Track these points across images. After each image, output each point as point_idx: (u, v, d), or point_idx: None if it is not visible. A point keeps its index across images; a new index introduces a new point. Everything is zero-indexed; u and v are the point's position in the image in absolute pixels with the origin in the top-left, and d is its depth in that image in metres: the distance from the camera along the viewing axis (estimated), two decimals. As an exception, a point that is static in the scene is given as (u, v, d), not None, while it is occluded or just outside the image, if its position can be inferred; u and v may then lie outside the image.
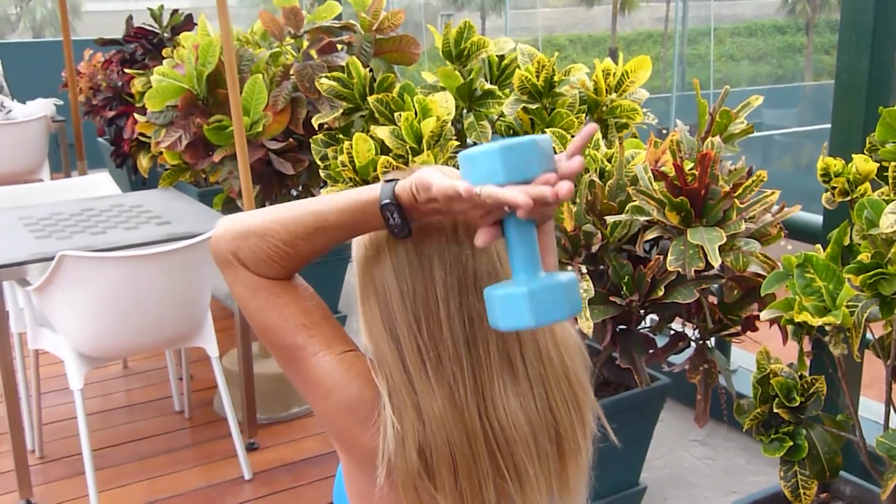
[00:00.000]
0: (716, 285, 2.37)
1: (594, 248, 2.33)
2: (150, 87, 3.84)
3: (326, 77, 3.32)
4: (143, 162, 4.98)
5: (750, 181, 2.33)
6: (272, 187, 3.97)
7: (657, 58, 28.90)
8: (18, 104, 6.25)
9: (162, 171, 4.34)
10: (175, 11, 5.53)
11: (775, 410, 2.08)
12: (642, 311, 2.42)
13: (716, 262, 2.09)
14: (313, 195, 3.42)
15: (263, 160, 3.79)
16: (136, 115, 4.15)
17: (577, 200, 2.37)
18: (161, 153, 4.08)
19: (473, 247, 1.10)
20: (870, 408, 2.91)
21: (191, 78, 3.79)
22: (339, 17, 4.00)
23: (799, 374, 2.11)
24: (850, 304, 1.82)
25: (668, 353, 2.52)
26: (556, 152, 1.03)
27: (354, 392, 1.12)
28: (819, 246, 2.05)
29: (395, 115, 2.85)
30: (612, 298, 2.32)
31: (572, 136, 2.59)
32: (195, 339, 3.13)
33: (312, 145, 3.21)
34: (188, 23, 5.43)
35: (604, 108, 2.85)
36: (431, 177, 1.01)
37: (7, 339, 2.93)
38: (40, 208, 3.50)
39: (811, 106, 24.05)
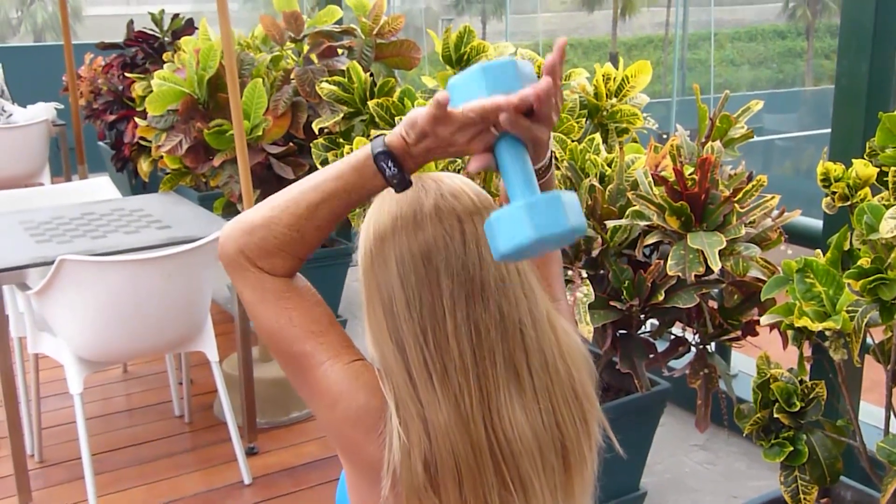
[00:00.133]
0: (716, 290, 2.37)
1: (594, 253, 2.33)
2: (151, 91, 3.84)
3: (327, 81, 3.33)
4: (144, 166, 4.99)
5: (750, 186, 2.33)
6: (272, 191, 3.96)
7: (658, 62, 28.93)
8: (19, 108, 6.26)
9: (162, 176, 4.35)
10: (176, 16, 5.54)
11: (776, 415, 2.08)
12: (642, 316, 2.42)
13: (716, 266, 2.09)
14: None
15: (264, 164, 3.80)
16: (136, 119, 4.16)
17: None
18: (161, 157, 4.09)
19: (481, 256, 1.09)
20: (870, 412, 2.90)
21: (191, 82, 3.79)
22: (339, 22, 4.01)
23: (799, 378, 2.11)
24: (850, 309, 1.82)
25: (668, 358, 2.52)
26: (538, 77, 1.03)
27: (362, 402, 1.11)
28: (819, 251, 2.05)
29: (396, 119, 2.86)
30: (612, 303, 2.32)
31: (573, 141, 2.59)
32: (195, 344, 3.13)
33: (313, 149, 3.21)
34: (189, 27, 5.44)
35: (604, 113, 2.85)
36: (417, 112, 1.03)
37: (7, 344, 2.92)
38: (41, 212, 3.50)
39: (811, 110, 24.05)
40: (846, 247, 1.99)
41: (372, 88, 3.35)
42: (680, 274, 2.17)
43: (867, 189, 2.05)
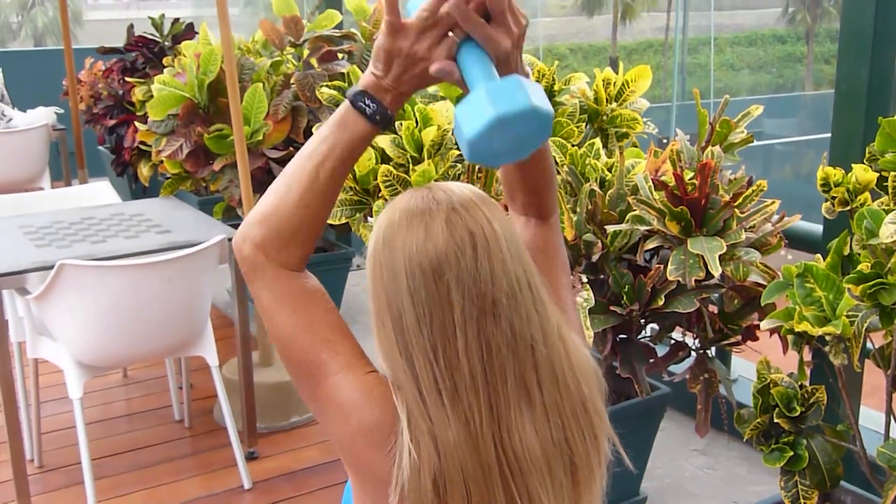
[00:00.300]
0: (716, 295, 2.37)
1: (594, 258, 2.33)
2: (151, 95, 3.85)
3: (327, 86, 3.33)
4: (144, 170, 4.99)
5: (750, 191, 2.33)
6: (272, 196, 3.97)
7: (658, 67, 28.95)
8: (19, 113, 6.26)
9: (162, 180, 4.35)
10: (176, 20, 5.55)
11: (776, 420, 2.08)
12: (643, 321, 2.42)
13: (716, 271, 2.09)
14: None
15: (264, 169, 3.80)
16: (136, 124, 4.16)
17: (578, 210, 2.37)
18: (162, 162, 4.09)
19: (493, 271, 1.07)
20: (870, 417, 2.90)
21: (192, 86, 3.79)
22: (339, 26, 4.02)
23: (799, 383, 2.11)
24: (850, 313, 1.82)
25: (668, 363, 2.52)
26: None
27: (375, 416, 1.10)
28: (819, 256, 2.05)
29: (396, 123, 2.86)
30: (612, 308, 2.32)
31: (573, 146, 2.59)
32: (195, 348, 3.13)
33: (313, 154, 3.21)
34: (189, 32, 5.44)
35: (604, 118, 2.85)
36: (377, 42, 1.11)
37: (6, 348, 2.92)
38: (40, 217, 3.50)
39: (811, 115, 24.05)
40: (846, 251, 1.99)
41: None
42: (680, 279, 2.17)
43: (867, 194, 2.05)
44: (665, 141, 2.82)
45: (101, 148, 6.40)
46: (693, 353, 2.48)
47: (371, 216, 2.80)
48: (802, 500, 2.06)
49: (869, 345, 1.97)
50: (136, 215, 3.52)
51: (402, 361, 1.09)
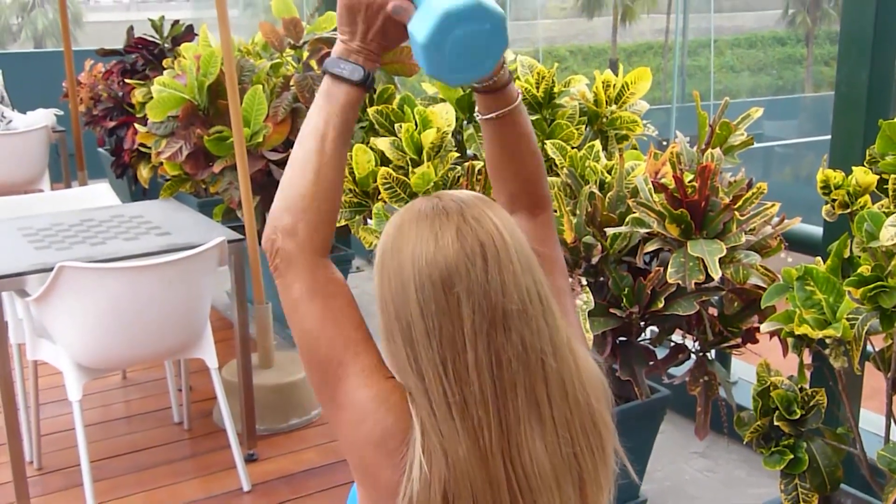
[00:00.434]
0: (716, 297, 2.37)
1: (594, 260, 2.33)
2: (151, 97, 3.85)
3: (327, 88, 3.32)
4: (144, 172, 4.99)
5: (750, 193, 2.33)
6: (272, 198, 3.97)
7: (657, 69, 28.95)
8: (19, 114, 6.26)
9: (162, 182, 4.35)
10: (176, 22, 5.55)
11: (776, 423, 2.07)
12: (642, 323, 2.42)
13: (716, 274, 2.09)
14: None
15: (264, 171, 3.80)
16: (136, 126, 4.16)
17: (578, 212, 2.37)
18: (161, 164, 4.09)
19: (504, 283, 1.06)
20: (870, 420, 2.90)
21: (192, 88, 3.79)
22: (339, 29, 4.01)
23: (799, 386, 2.11)
24: (850, 316, 1.81)
25: (668, 365, 2.52)
26: None
27: (389, 424, 1.09)
28: (819, 258, 2.05)
29: (396, 126, 2.86)
30: (612, 310, 2.32)
31: (573, 148, 2.59)
32: (195, 350, 3.13)
33: (312, 156, 3.21)
34: (189, 33, 5.44)
35: (604, 120, 2.85)
36: (338, 1, 1.18)
37: (6, 350, 2.92)
38: (40, 219, 3.49)
39: (811, 117, 24.06)
40: (846, 254, 1.99)
41: (371, 95, 3.35)
42: (680, 281, 2.17)
43: (867, 196, 2.05)
44: (665, 143, 2.82)
45: (100, 150, 6.40)
46: (693, 356, 2.48)
47: (370, 218, 2.80)
48: (802, 503, 2.06)
49: (869, 348, 1.97)
50: (136, 217, 3.51)
51: (412, 374, 1.08)
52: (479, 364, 1.06)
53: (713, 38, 26.71)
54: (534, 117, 2.78)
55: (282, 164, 3.77)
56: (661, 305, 2.28)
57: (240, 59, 3.92)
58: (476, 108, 1.30)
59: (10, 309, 3.15)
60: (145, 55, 5.37)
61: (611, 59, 34.18)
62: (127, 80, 5.21)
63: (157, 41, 5.45)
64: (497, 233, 1.08)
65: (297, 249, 1.16)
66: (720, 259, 2.12)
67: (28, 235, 3.25)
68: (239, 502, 3.10)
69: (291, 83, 3.77)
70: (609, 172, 2.51)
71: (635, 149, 2.86)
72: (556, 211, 2.40)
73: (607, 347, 2.39)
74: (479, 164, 2.59)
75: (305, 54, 3.89)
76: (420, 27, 1.10)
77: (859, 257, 1.95)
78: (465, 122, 2.97)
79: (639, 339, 2.50)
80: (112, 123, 5.53)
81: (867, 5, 2.56)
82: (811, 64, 33.77)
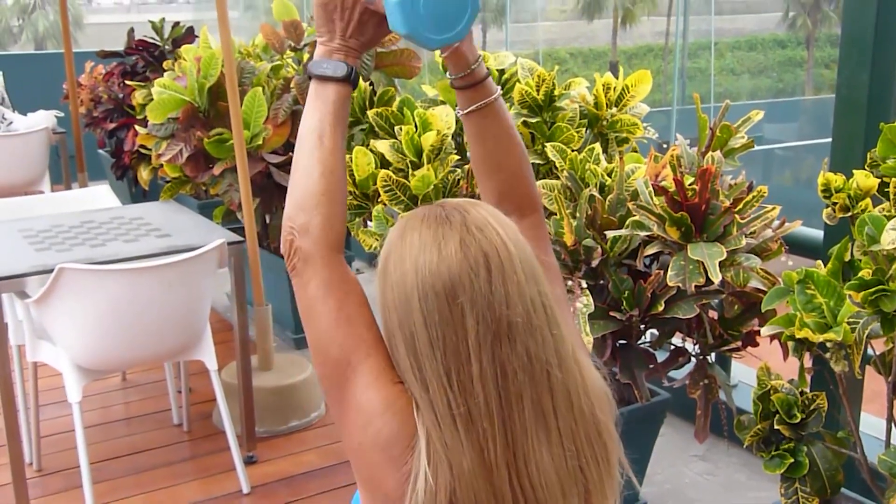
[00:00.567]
0: (716, 300, 2.37)
1: (594, 263, 2.33)
2: (151, 99, 3.85)
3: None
4: (144, 174, 4.99)
5: (750, 196, 2.33)
6: (272, 200, 3.97)
7: (658, 71, 28.96)
8: (19, 116, 6.26)
9: (162, 184, 4.35)
10: (176, 24, 5.55)
11: (776, 427, 2.07)
12: (642, 326, 2.41)
13: (716, 277, 2.09)
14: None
15: (264, 173, 3.80)
16: (136, 128, 4.16)
17: (578, 215, 2.37)
18: (162, 166, 4.09)
19: (508, 293, 1.06)
20: (871, 423, 2.89)
21: (192, 90, 3.79)
22: (340, 31, 4.01)
23: (800, 390, 2.10)
24: (851, 320, 1.81)
25: (668, 368, 2.51)
26: None
27: (394, 429, 1.08)
28: (820, 262, 2.05)
29: (396, 128, 2.85)
30: (612, 313, 2.32)
31: (573, 151, 2.59)
32: (194, 352, 3.12)
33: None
34: (189, 35, 5.44)
35: (604, 123, 2.85)
36: (314, 3, 1.22)
37: (6, 352, 2.92)
38: (40, 220, 3.49)
39: (812, 120, 24.06)
40: (847, 258, 1.98)
41: (371, 97, 3.35)
42: (680, 284, 2.17)
43: (868, 200, 2.05)
44: (665, 146, 2.82)
45: (101, 151, 6.40)
46: (693, 359, 2.47)
47: (370, 221, 2.80)
48: (803, 507, 2.06)
49: (869, 351, 1.97)
50: (136, 219, 3.51)
51: (416, 385, 1.08)
52: (483, 375, 1.05)
53: (713, 41, 26.72)
54: (534, 120, 2.78)
55: (282, 166, 3.77)
56: (661, 308, 2.27)
57: (240, 62, 3.92)
58: (457, 108, 1.32)
59: (10, 310, 3.15)
60: (146, 57, 5.37)
61: (611, 62, 34.20)
62: (127, 82, 5.21)
63: (158, 43, 5.45)
64: (501, 242, 1.08)
65: (313, 247, 1.17)
66: (720, 262, 2.11)
67: (28, 237, 3.25)
68: (238, 504, 3.10)
69: (292, 85, 3.77)
70: (609, 175, 2.51)
71: (635, 151, 2.86)
72: (556, 213, 2.40)
73: (607, 350, 2.39)
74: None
75: (306, 56, 3.90)
76: None
77: (860, 261, 1.95)
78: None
79: (639, 342, 2.49)
80: (112, 125, 5.53)
81: (868, 8, 2.56)
82: (811, 67, 33.79)
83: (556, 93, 2.81)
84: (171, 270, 2.89)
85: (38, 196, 4.23)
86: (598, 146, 2.61)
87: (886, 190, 2.02)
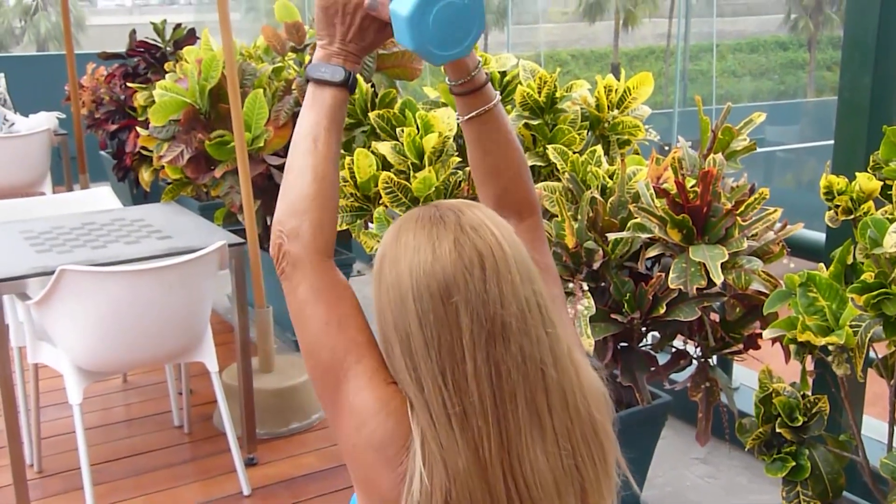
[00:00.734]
0: (718, 303, 2.36)
1: (595, 265, 2.33)
2: (153, 101, 3.84)
3: (328, 92, 3.32)
4: (145, 176, 4.99)
5: (752, 198, 2.33)
6: (273, 202, 3.95)
7: (659, 73, 28.96)
8: (21, 117, 6.26)
9: (164, 185, 4.34)
10: (178, 26, 5.55)
11: (778, 430, 2.06)
12: (644, 329, 2.41)
13: (718, 279, 2.08)
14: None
15: (265, 175, 3.79)
16: (138, 129, 4.16)
17: (579, 217, 2.37)
18: (163, 167, 4.09)
19: (502, 293, 1.06)
20: (873, 426, 2.89)
21: (193, 92, 3.79)
22: (341, 32, 4.00)
23: (801, 393, 2.10)
24: (853, 323, 1.81)
25: (669, 371, 2.51)
26: None
27: (389, 429, 1.09)
28: (822, 265, 2.04)
29: (397, 130, 2.85)
30: (613, 316, 2.31)
31: (575, 153, 2.59)
32: (195, 354, 3.12)
33: (314, 160, 3.20)
34: (190, 37, 5.44)
35: (606, 125, 2.84)
36: (316, 5, 1.22)
37: (6, 353, 2.92)
38: (41, 222, 3.49)
39: (813, 122, 24.06)
40: (849, 261, 1.98)
41: (373, 99, 3.35)
42: (681, 287, 2.16)
43: (870, 203, 2.04)
44: (667, 148, 2.81)
45: (102, 153, 6.40)
46: (694, 362, 2.47)
47: (371, 222, 2.79)
48: (804, 510, 2.05)
49: (872, 354, 1.96)
50: (137, 221, 3.51)
51: (411, 384, 1.08)
52: (478, 374, 1.05)
53: (715, 43, 26.74)
54: (535, 122, 2.78)
55: (283, 168, 3.76)
56: (662, 311, 2.27)
57: (241, 63, 3.92)
58: (457, 113, 1.32)
59: (11, 312, 3.15)
60: (147, 59, 5.37)
61: (612, 64, 34.21)
62: (129, 84, 5.21)
63: (159, 45, 5.45)
64: (496, 242, 1.08)
65: (302, 251, 1.17)
66: (722, 264, 2.11)
67: (29, 238, 3.24)
68: (239, 507, 3.10)
69: (293, 87, 3.77)
70: (611, 177, 2.51)
71: (637, 154, 2.85)
72: (557, 216, 2.40)
73: (608, 353, 2.39)
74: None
75: (307, 58, 3.89)
76: (403, 2, 1.14)
77: (862, 264, 1.94)
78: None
79: (640, 344, 2.49)
80: (114, 127, 5.53)
81: (871, 10, 2.56)
82: (813, 69, 33.79)
83: (557, 95, 2.80)
84: (172, 272, 2.89)
85: (39, 197, 4.23)
86: (599, 148, 2.60)
87: (889, 193, 2.02)
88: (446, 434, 1.05)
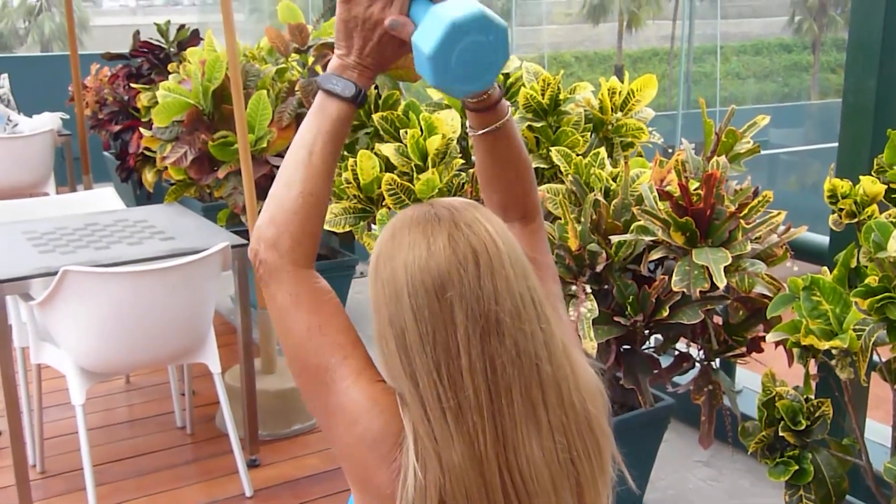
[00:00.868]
0: (721, 306, 2.36)
1: (599, 268, 2.32)
2: (156, 101, 3.85)
3: (332, 93, 3.32)
4: (149, 176, 4.99)
5: (756, 201, 2.32)
6: (277, 203, 3.96)
7: (663, 75, 28.95)
8: (25, 118, 6.27)
9: (167, 186, 4.34)
10: (181, 27, 5.55)
11: (781, 433, 2.06)
12: (647, 332, 2.41)
13: (721, 282, 2.08)
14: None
15: (268, 176, 3.79)
16: (141, 130, 4.16)
17: (582, 220, 2.36)
18: (166, 168, 4.09)
19: (496, 288, 1.07)
20: (876, 430, 2.88)
21: (197, 93, 3.79)
22: (345, 34, 4.00)
23: (805, 396, 2.09)
24: (857, 327, 1.80)
25: (672, 374, 2.51)
26: None
27: (380, 426, 1.09)
28: (825, 268, 2.04)
29: (401, 132, 2.85)
30: (616, 318, 2.31)
31: (578, 155, 2.58)
32: (198, 355, 3.12)
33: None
34: (194, 38, 5.45)
35: (609, 127, 2.84)
36: (336, 16, 1.19)
37: (9, 354, 2.92)
38: (44, 223, 3.50)
39: (817, 125, 24.05)
40: (853, 264, 1.97)
41: (377, 101, 3.35)
42: (685, 290, 2.16)
43: (875, 206, 2.04)
44: (670, 150, 2.81)
45: (105, 153, 6.41)
46: (697, 365, 2.47)
47: (374, 224, 2.79)
48: (807, 514, 2.05)
49: (875, 358, 1.96)
50: (140, 221, 3.51)
51: (406, 380, 1.08)
52: (472, 369, 1.06)
53: (719, 45, 26.73)
54: (539, 124, 2.78)
55: (286, 169, 3.76)
56: (665, 314, 2.27)
57: (245, 64, 3.92)
58: (468, 125, 1.31)
59: (14, 312, 3.15)
60: (151, 59, 5.37)
61: (616, 66, 34.19)
62: (132, 85, 5.21)
63: (163, 45, 5.45)
64: (490, 239, 1.09)
65: (279, 261, 1.17)
66: (725, 267, 2.11)
67: (32, 239, 3.25)
68: (241, 508, 3.10)
69: (296, 88, 3.77)
70: (614, 180, 2.50)
71: (640, 156, 2.85)
72: (560, 218, 2.39)
73: (611, 356, 2.38)
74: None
75: (311, 59, 3.89)
76: (426, 39, 1.10)
77: (866, 267, 1.94)
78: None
79: (643, 347, 2.49)
80: (117, 127, 5.53)
81: (876, 13, 2.55)
82: (817, 71, 33.76)
83: (561, 97, 2.80)
84: (175, 273, 2.89)
85: (42, 198, 4.23)
86: (602, 150, 2.60)
87: (893, 196, 2.02)
88: (441, 428, 1.06)
